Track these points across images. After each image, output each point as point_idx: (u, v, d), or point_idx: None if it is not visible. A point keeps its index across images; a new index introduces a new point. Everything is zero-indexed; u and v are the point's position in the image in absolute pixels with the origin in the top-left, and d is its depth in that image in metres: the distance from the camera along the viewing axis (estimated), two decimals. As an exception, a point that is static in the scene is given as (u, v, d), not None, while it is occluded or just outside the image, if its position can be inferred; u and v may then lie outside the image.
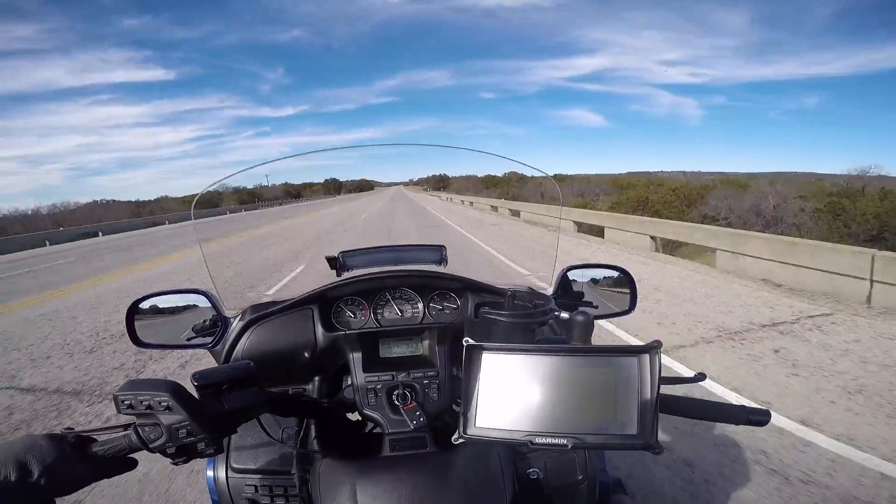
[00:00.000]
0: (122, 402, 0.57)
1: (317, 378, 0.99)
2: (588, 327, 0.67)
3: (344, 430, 0.94)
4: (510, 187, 45.00)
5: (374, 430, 0.91)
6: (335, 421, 0.92)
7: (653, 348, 0.54)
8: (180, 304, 1.03)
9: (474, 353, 0.56)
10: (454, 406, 0.84)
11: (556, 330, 0.95)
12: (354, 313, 1.01)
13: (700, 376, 0.69)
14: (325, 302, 1.00)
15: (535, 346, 0.57)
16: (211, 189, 1.46)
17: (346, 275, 1.06)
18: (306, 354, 0.94)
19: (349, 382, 0.93)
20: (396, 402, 0.86)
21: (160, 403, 0.56)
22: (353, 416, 0.94)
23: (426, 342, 0.98)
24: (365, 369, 0.91)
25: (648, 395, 0.53)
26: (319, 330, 0.95)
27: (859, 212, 23.39)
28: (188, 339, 1.01)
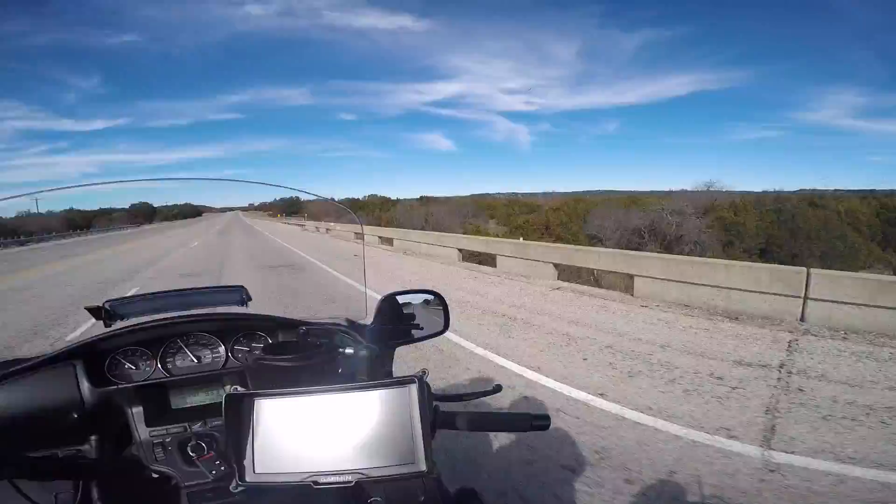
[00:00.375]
0: None
1: (94, 437, 0.87)
2: (371, 361, 0.72)
3: (134, 488, 0.87)
4: (381, 212, 38.28)
5: (174, 484, 0.84)
6: (127, 479, 0.86)
7: (418, 378, 0.56)
8: None
9: (244, 402, 0.56)
10: None
11: (369, 363, 0.88)
12: (137, 364, 0.93)
13: (497, 388, 0.77)
14: (94, 355, 0.90)
15: (306, 388, 0.57)
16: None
17: (119, 324, 0.95)
18: (75, 414, 0.84)
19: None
20: (191, 454, 0.80)
21: None
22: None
23: (229, 387, 0.87)
24: (149, 423, 0.85)
25: (420, 422, 0.55)
26: (86, 386, 0.85)
27: (749, 228, 23.51)
28: None
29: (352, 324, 1.01)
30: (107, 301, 0.97)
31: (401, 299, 1.11)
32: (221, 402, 0.82)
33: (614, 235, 24.24)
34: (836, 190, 37.18)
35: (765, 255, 22.69)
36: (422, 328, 1.10)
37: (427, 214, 28.86)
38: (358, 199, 65.41)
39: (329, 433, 0.55)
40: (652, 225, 23.65)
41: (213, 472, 0.79)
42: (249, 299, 1.07)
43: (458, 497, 0.79)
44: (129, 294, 1.06)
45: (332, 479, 0.53)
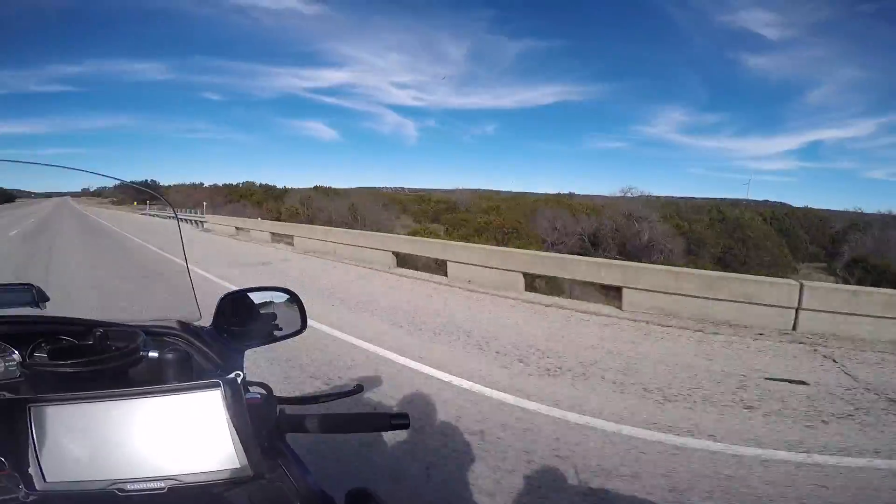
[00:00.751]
0: None
1: None
2: (181, 364, 0.66)
3: None
4: (275, 203, 30.62)
5: None
6: None
7: (228, 380, 0.54)
8: None
9: (13, 408, 0.52)
10: None
11: (177, 367, 0.79)
12: None
13: (358, 388, 0.73)
14: None
15: (94, 393, 0.54)
16: None
17: None
18: None
19: None
20: None
21: None
22: None
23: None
24: None
25: (241, 425, 0.53)
26: None
27: (705, 237, 22.68)
28: None
29: (185, 326, 0.94)
30: None
31: (257, 298, 1.05)
32: None
33: (566, 240, 21.71)
34: (660, 196, 39.30)
35: (721, 262, 21.90)
36: (281, 328, 1.03)
37: (353, 208, 22.76)
38: (235, 184, 54.56)
39: (132, 439, 0.52)
40: (597, 230, 21.60)
41: (21, 486, 0.70)
42: (46, 299, 0.99)
43: (349, 499, 0.71)
44: None
45: (141, 485, 0.51)
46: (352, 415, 0.69)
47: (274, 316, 1.04)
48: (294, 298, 1.07)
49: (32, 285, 1.00)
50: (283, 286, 1.09)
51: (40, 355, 0.86)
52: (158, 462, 0.52)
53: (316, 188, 49.51)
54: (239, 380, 0.55)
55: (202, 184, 60.92)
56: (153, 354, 0.70)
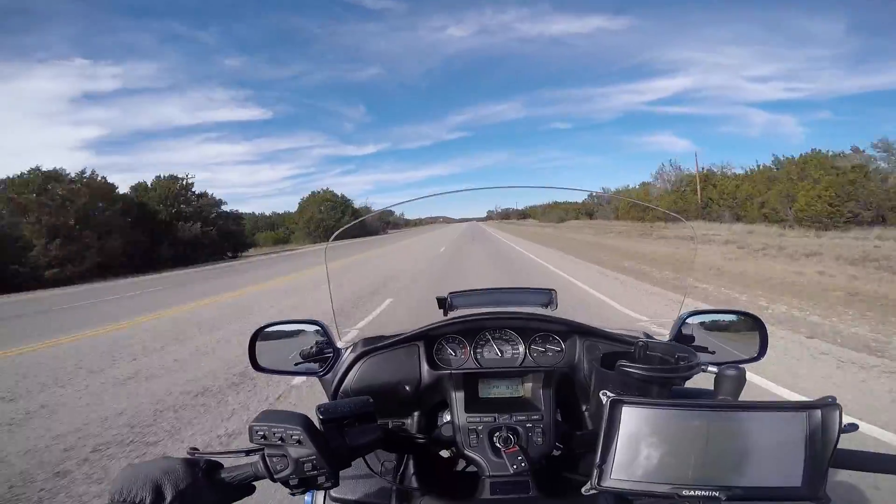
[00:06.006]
0: (257, 432, 0.60)
1: (416, 413, 0.98)
2: (740, 382, 0.66)
3: (441, 468, 0.94)
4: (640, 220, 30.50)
5: (470, 470, 0.89)
6: (432, 458, 0.92)
7: (826, 405, 0.52)
8: (289, 330, 1.07)
9: (616, 408, 0.55)
10: (555, 451, 0.86)
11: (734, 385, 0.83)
12: (455, 352, 1.00)
13: (851, 426, 0.66)
14: (429, 339, 0.99)
15: (684, 401, 0.55)
16: (347, 227, 1.64)
17: (451, 314, 1.09)
18: (408, 389, 0.94)
19: (446, 419, 0.93)
20: (498, 445, 0.82)
21: (292, 437, 0.59)
22: (446, 454, 0.94)
23: (528, 384, 0.95)
24: (467, 409, 0.89)
25: (819, 451, 0.51)
26: (424, 367, 0.95)
27: None
28: (296, 364, 1.04)
29: (649, 339, 0.94)
30: (450, 293, 1.14)
31: (710, 317, 1.06)
32: (519, 397, 0.92)
33: None
34: None
35: None
36: (713, 352, 1.02)
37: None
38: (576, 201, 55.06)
39: (697, 447, 0.52)
40: None
41: (514, 466, 0.77)
42: (556, 304, 1.14)
43: None
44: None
45: (699, 492, 0.51)
46: (885, 455, 0.65)
47: (710, 338, 1.03)
48: (757, 323, 1.02)
49: (553, 291, 1.13)
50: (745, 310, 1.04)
51: (536, 348, 0.97)
52: (724, 473, 0.51)
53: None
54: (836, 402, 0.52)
55: (594, 192, 65.79)
56: (713, 370, 0.70)
